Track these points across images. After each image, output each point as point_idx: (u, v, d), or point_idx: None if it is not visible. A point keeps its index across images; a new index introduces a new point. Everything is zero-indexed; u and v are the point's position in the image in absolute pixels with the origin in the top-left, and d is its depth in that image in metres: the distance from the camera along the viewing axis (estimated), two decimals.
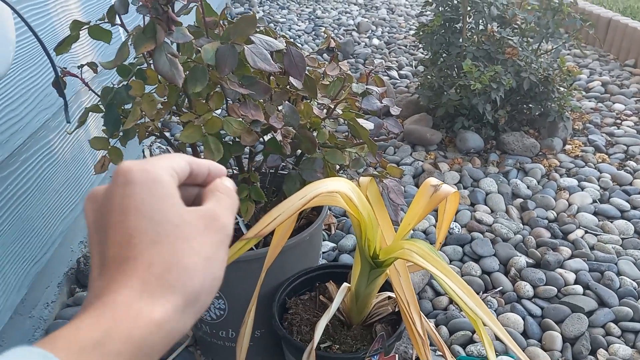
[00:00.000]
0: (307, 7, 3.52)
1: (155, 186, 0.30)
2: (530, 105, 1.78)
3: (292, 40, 2.84)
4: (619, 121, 1.98)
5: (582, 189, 1.56)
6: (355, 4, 3.62)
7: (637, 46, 2.45)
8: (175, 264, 0.28)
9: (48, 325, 1.08)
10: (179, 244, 0.29)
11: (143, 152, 1.73)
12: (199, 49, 0.73)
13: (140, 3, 0.66)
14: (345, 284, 0.87)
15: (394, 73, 2.38)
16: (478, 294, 1.21)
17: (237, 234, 1.02)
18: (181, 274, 0.28)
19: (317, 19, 3.24)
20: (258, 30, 0.79)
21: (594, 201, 1.51)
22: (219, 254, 0.31)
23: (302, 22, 3.21)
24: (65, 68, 0.85)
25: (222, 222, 0.32)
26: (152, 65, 0.74)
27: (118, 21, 0.77)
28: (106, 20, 0.77)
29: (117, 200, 0.29)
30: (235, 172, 1.03)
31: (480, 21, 1.79)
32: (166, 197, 0.30)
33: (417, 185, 1.62)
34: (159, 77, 0.75)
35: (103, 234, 0.29)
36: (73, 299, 1.16)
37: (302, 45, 2.81)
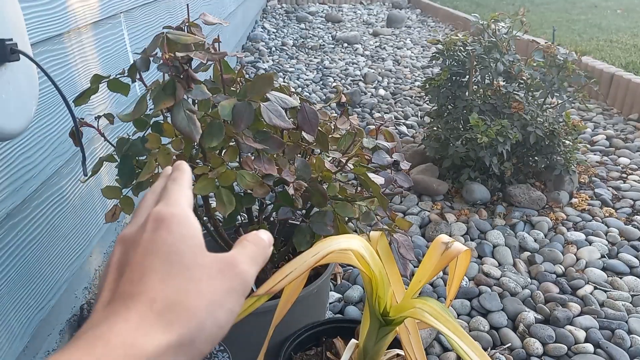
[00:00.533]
0: (315, 58, 3.61)
1: (180, 229, 0.31)
2: (536, 158, 1.79)
3: (300, 88, 2.90)
4: (624, 175, 1.99)
5: (590, 244, 1.55)
6: (362, 55, 3.71)
7: None
8: (178, 303, 0.29)
9: None
10: (187, 284, 0.29)
11: None
12: (216, 104, 0.75)
13: (162, 61, 0.68)
14: (353, 341, 0.86)
15: (403, 128, 2.42)
16: (486, 350, 1.19)
17: None
18: (181, 314, 0.28)
19: (324, 69, 3.32)
20: (273, 87, 0.81)
21: (602, 256, 1.50)
22: (227, 301, 0.30)
23: (310, 71, 3.28)
24: (83, 118, 0.87)
25: (240, 269, 0.32)
26: (168, 118, 0.76)
27: (138, 76, 0.79)
28: (126, 74, 0.80)
29: (143, 243, 0.31)
30: (244, 222, 1.04)
31: (487, 76, 1.83)
32: (186, 239, 0.31)
33: (424, 236, 1.62)
34: (176, 131, 0.76)
35: (122, 272, 0.30)
36: None
37: (310, 94, 2.86)
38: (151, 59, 0.74)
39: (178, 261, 0.30)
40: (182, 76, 0.69)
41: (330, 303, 1.32)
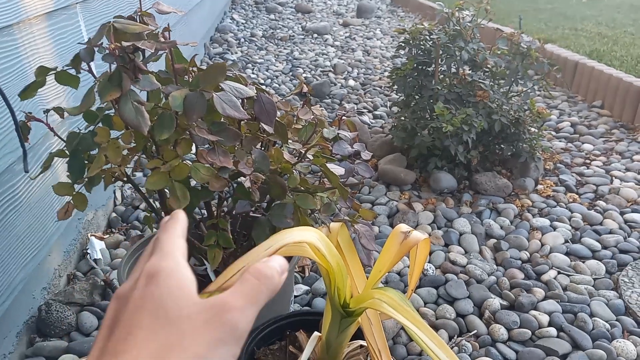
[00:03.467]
0: (284, 49, 3.57)
1: (168, 281, 0.30)
2: (502, 146, 1.81)
3: (269, 80, 2.87)
4: (588, 161, 2.02)
5: (554, 229, 1.57)
6: (332, 46, 3.69)
7: (603, 88, 2.54)
8: None
9: None
10: (171, 339, 0.28)
11: (114, 192, 1.70)
12: (167, 95, 0.72)
13: (107, 51, 0.66)
14: (315, 333, 0.85)
15: (366, 118, 2.41)
16: (453, 337, 1.20)
17: (206, 281, 1.00)
18: None
19: (294, 60, 3.29)
20: (229, 76, 0.79)
21: (566, 241, 1.53)
22: (213, 354, 0.29)
23: (280, 62, 3.25)
24: (31, 112, 0.83)
25: (229, 316, 0.30)
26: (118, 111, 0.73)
27: (86, 67, 0.76)
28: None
29: (133, 300, 0.30)
30: (204, 217, 1.02)
31: (452, 65, 1.84)
32: (174, 291, 0.30)
33: (392, 226, 1.62)
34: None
35: (112, 329, 0.30)
36: (32, 350, 1.11)
37: (279, 85, 2.84)
38: (97, 49, 0.71)
39: (164, 316, 0.29)
40: (128, 67, 0.67)
41: (297, 296, 1.31)
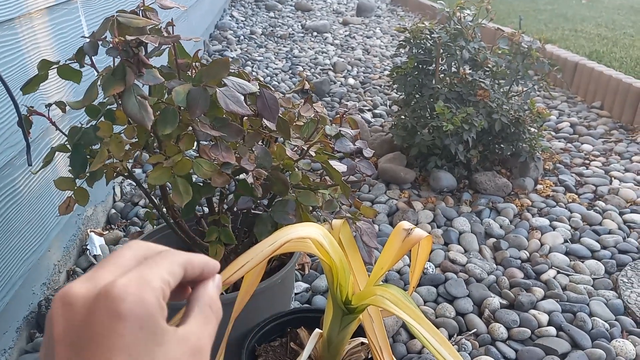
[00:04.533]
0: (284, 47, 3.57)
1: (146, 323, 0.27)
2: (502, 145, 1.81)
3: (269, 77, 2.86)
4: (587, 161, 2.03)
5: (554, 229, 1.58)
6: (331, 44, 3.69)
7: (602, 89, 2.54)
8: None
9: None
10: None
11: (114, 188, 1.70)
12: (171, 90, 0.72)
13: (111, 45, 0.65)
14: (317, 330, 0.85)
15: (368, 115, 2.41)
16: (452, 336, 1.20)
17: None
18: None
19: (294, 58, 3.29)
20: (231, 72, 0.79)
21: (566, 241, 1.53)
22: None
23: (280, 60, 3.25)
24: (33, 107, 0.83)
25: (194, 343, 0.29)
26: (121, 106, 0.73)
27: (88, 61, 0.76)
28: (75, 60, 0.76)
29: (104, 332, 0.26)
30: (206, 213, 1.01)
31: (453, 64, 1.84)
32: (152, 334, 0.27)
33: (392, 224, 1.62)
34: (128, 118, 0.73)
35: (79, 356, 0.26)
36: (32, 345, 1.11)
37: (278, 83, 2.83)
38: (100, 43, 0.71)
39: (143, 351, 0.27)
40: (132, 61, 0.66)
41: (297, 293, 1.31)
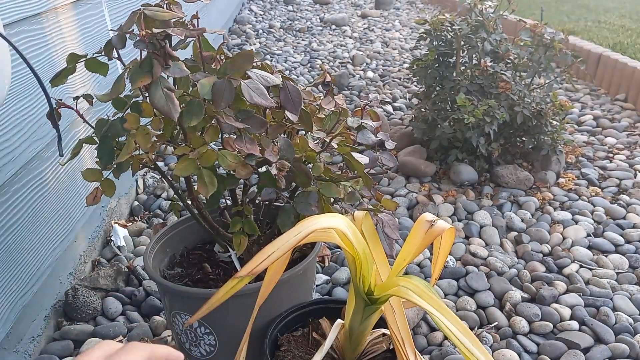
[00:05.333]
0: (303, 40, 3.57)
1: None
2: (524, 138, 1.79)
3: (288, 71, 2.87)
4: (611, 155, 2.00)
5: (576, 223, 1.56)
6: (350, 37, 3.68)
7: (627, 81, 2.50)
8: None
9: None
10: None
11: (137, 181, 1.72)
12: (196, 82, 0.73)
13: (138, 38, 0.66)
14: (339, 321, 0.86)
15: (389, 108, 2.40)
16: (473, 329, 1.19)
17: (229, 267, 1.01)
18: None
19: (312, 52, 3.29)
20: (255, 65, 0.80)
21: (588, 235, 1.51)
22: None
23: (298, 54, 3.25)
24: (61, 99, 0.85)
25: None
26: (147, 98, 0.74)
27: (115, 54, 0.77)
28: (103, 53, 0.78)
29: None
30: (229, 204, 1.03)
31: (474, 56, 1.82)
32: None
33: (412, 217, 1.61)
34: (155, 110, 0.74)
35: None
36: (59, 333, 1.13)
37: (297, 77, 2.84)
38: (128, 36, 0.72)
39: None
40: (159, 53, 0.67)
41: (317, 285, 1.32)
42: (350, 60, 3.11)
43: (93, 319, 1.18)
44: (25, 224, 1.03)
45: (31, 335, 1.06)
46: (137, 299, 1.24)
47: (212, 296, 0.65)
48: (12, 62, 0.80)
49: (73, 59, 0.79)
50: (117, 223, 1.48)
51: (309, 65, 3.05)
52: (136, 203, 1.65)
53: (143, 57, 0.70)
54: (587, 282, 1.33)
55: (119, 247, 1.40)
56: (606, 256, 1.42)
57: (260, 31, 3.77)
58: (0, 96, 0.70)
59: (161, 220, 1.57)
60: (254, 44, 3.42)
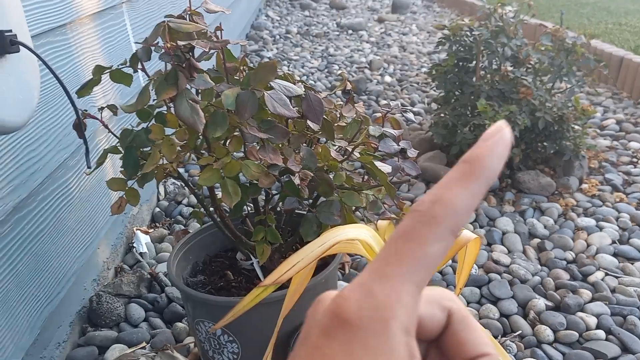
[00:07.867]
0: (320, 45, 3.58)
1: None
2: (545, 144, 1.77)
3: (305, 77, 2.88)
4: (635, 160, 1.96)
5: (601, 229, 1.53)
6: (367, 42, 3.68)
7: None
8: None
9: None
10: None
11: (158, 188, 1.74)
12: (219, 93, 0.74)
13: (163, 51, 0.67)
14: None
15: (410, 115, 2.39)
16: (497, 337, 1.18)
17: (252, 275, 1.02)
18: None
19: (329, 57, 3.29)
20: (277, 75, 0.80)
21: (614, 242, 1.49)
22: None
23: (315, 59, 3.26)
24: (86, 110, 0.86)
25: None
26: (172, 109, 0.75)
27: (140, 66, 0.78)
28: (128, 65, 0.79)
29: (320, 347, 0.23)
30: (250, 212, 1.03)
31: (494, 61, 1.81)
32: None
33: None
34: (179, 121, 0.75)
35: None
36: (84, 339, 1.15)
37: (315, 82, 2.84)
38: (153, 48, 0.73)
39: None
40: (184, 65, 0.68)
41: None
42: (367, 65, 3.11)
43: (117, 325, 1.19)
44: (51, 232, 1.04)
45: (57, 341, 1.07)
46: (160, 305, 1.25)
47: (237, 304, 0.65)
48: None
49: (98, 70, 0.80)
50: (139, 230, 1.50)
51: (326, 70, 3.05)
52: (157, 209, 1.66)
53: (168, 69, 0.70)
54: (613, 291, 1.31)
55: (141, 254, 1.42)
56: (632, 264, 1.39)
57: (277, 37, 3.79)
58: (30, 108, 0.72)
59: (182, 227, 1.58)
60: (271, 50, 3.43)
